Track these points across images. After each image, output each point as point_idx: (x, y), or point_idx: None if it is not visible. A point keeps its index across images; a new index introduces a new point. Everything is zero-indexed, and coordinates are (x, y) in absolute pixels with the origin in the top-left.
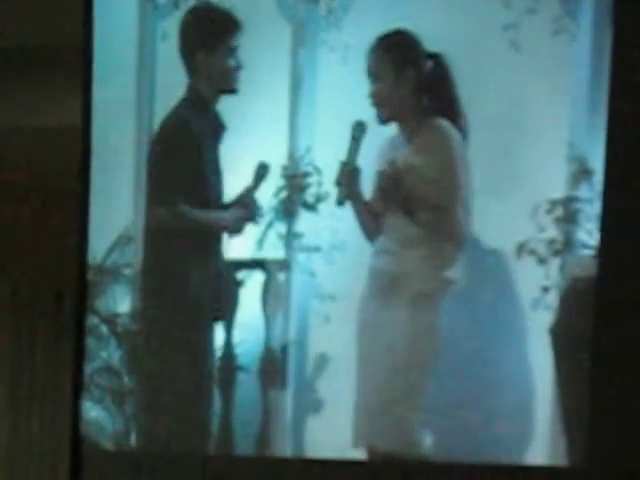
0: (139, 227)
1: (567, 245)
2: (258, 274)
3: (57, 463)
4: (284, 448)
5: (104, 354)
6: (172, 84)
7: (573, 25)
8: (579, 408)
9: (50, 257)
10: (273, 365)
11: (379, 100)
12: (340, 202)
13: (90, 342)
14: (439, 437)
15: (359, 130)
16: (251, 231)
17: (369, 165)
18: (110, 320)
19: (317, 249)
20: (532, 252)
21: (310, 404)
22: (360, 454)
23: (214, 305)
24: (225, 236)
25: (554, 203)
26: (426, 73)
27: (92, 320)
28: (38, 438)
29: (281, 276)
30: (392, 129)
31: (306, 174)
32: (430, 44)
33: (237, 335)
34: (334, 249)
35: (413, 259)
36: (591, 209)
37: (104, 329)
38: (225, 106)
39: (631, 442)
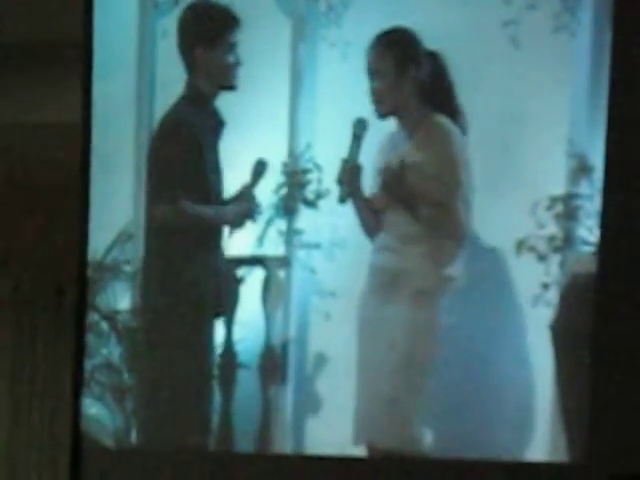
0: (139, 224)
1: (567, 242)
2: (258, 271)
3: (57, 459)
4: (284, 445)
5: (104, 351)
6: (172, 81)
7: (573, 21)
8: (579, 405)
9: (51, 254)
10: (273, 362)
11: (379, 97)
12: (342, 200)
13: (90, 339)
14: (439, 434)
15: (360, 127)
16: (251, 228)
17: (368, 162)
18: (110, 317)
19: (317, 246)
20: (532, 249)
21: (310, 401)
22: (360, 451)
23: (214, 302)
24: (225, 233)
25: (554, 200)
26: (425, 71)
27: (92, 317)
28: (38, 434)
29: (281, 273)
30: (391, 126)
31: (306, 171)
32: (430, 40)
33: (237, 332)
34: (334, 246)
35: (413, 256)
36: (591, 206)
37: (104, 326)
38: (225, 102)
39: (631, 439)
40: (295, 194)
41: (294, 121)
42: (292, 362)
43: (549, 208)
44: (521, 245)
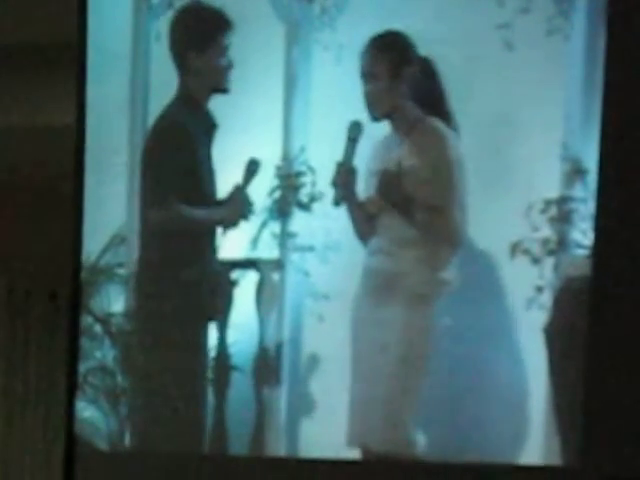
0: (133, 227)
1: (561, 245)
2: (252, 274)
3: (51, 462)
4: (278, 448)
5: (98, 354)
6: (166, 83)
7: (567, 25)
8: (573, 408)
9: (44, 257)
10: (267, 365)
11: (373, 99)
12: (337, 203)
13: (84, 342)
14: (433, 437)
15: (355, 130)
16: (245, 231)
17: (361, 165)
18: (104, 320)
19: (311, 249)
20: (526, 252)
21: (304, 404)
22: (354, 454)
23: (208, 305)
24: (219, 236)
25: (548, 203)
26: (419, 74)
27: (86, 320)
28: (32, 438)
29: (275, 276)
30: (385, 129)
31: (300, 174)
32: (423, 43)
33: (231, 335)
34: (328, 249)
35: (409, 259)
36: (585, 209)
37: (98, 329)
38: (219, 105)
39: (625, 442)
40: (289, 197)
41: (288, 124)
42: (286, 365)
43: (543, 211)
44: (515, 248)
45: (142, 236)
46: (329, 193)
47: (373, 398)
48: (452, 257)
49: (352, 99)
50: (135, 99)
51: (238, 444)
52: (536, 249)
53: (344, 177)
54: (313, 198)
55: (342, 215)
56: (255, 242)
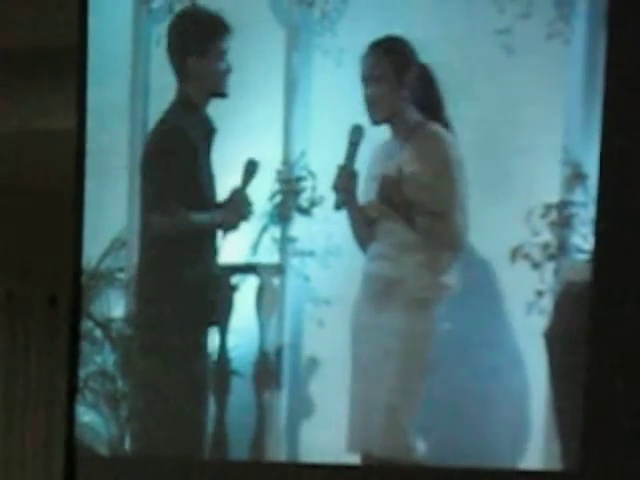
0: (133, 231)
1: (561, 249)
2: (252, 278)
3: (51, 467)
4: (278, 453)
5: (98, 358)
6: (167, 88)
7: (567, 29)
8: (573, 413)
9: (45, 261)
10: (267, 369)
11: (375, 103)
12: (338, 207)
13: (84, 346)
14: (433, 442)
15: (357, 134)
16: (245, 235)
17: (362, 169)
18: (104, 324)
19: (311, 253)
20: (526, 256)
21: (304, 409)
22: (354, 459)
23: (209, 309)
24: (219, 240)
25: (548, 207)
26: (419, 79)
27: (86, 324)
28: (32, 442)
29: (275, 280)
30: (386, 134)
31: (300, 178)
32: (424, 48)
33: (231, 339)
34: (328, 253)
35: (410, 264)
36: (585, 213)
37: (98, 333)
38: (220, 110)
39: (625, 447)
40: (289, 202)
41: (288, 129)
42: (286, 369)
43: (544, 216)
44: (516, 253)
45: (142, 240)
46: (330, 198)
47: (373, 403)
48: (453, 262)
49: (352, 103)
50: (135, 103)
51: (238, 449)
52: (536, 254)
53: (345, 181)
54: (313, 203)
55: (342, 220)
56: (255, 247)
